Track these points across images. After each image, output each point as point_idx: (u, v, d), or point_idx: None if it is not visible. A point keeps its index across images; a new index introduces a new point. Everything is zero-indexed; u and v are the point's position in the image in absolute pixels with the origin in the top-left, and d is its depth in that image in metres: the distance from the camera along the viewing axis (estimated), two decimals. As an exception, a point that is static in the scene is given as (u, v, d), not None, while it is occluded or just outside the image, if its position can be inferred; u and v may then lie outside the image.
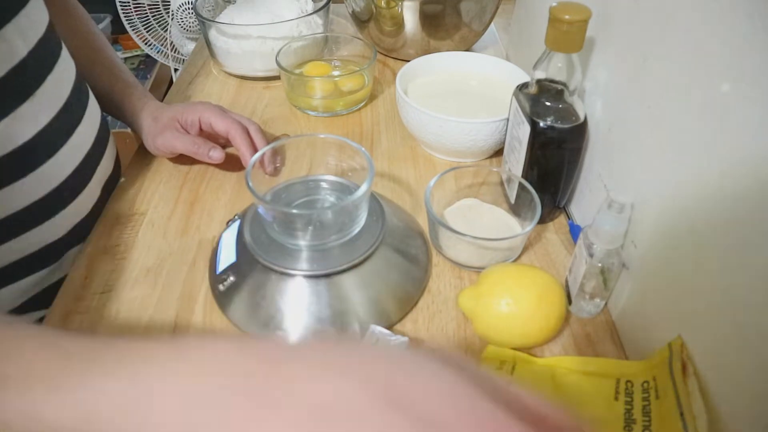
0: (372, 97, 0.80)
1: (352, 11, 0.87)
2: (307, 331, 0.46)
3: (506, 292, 0.44)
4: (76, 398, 0.25)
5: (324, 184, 0.55)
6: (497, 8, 0.84)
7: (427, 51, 0.75)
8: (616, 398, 0.41)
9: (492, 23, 0.87)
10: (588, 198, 0.55)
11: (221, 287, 0.49)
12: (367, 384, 0.23)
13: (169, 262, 0.54)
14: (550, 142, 0.51)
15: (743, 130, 0.32)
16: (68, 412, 0.25)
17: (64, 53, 0.56)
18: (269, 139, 0.67)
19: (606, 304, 0.49)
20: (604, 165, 0.52)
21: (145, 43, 1.74)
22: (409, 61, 0.72)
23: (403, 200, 0.62)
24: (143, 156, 0.67)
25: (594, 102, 0.53)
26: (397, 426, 0.21)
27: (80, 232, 0.57)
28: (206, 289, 0.51)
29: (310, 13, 0.83)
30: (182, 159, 0.65)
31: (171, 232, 0.58)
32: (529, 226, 0.50)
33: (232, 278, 0.49)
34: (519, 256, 0.55)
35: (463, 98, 0.69)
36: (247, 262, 0.48)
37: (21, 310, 0.54)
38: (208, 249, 0.55)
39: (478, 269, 0.53)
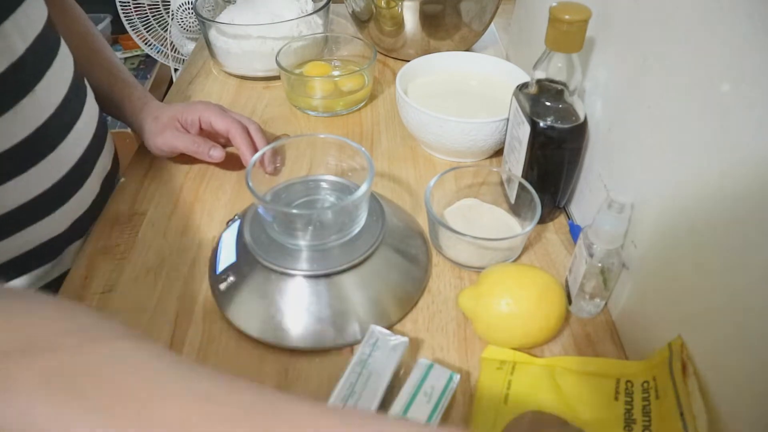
0: (372, 97, 0.80)
1: (352, 11, 0.87)
2: (308, 331, 0.46)
3: (506, 292, 0.44)
4: None
5: (324, 184, 0.55)
6: (497, 8, 0.84)
7: (427, 51, 0.75)
8: (616, 398, 0.41)
9: (492, 23, 0.87)
10: (588, 198, 0.55)
11: (221, 287, 0.49)
12: None
13: (169, 262, 0.54)
14: (550, 142, 0.51)
15: (743, 130, 0.32)
16: None
17: (63, 49, 0.56)
18: (269, 138, 0.67)
19: (606, 304, 0.49)
20: (604, 165, 0.52)
21: (145, 43, 1.74)
22: (409, 61, 0.72)
23: (403, 200, 0.62)
24: (143, 156, 0.67)
25: (594, 102, 0.53)
26: None
27: (80, 228, 0.58)
28: (206, 289, 0.51)
29: (310, 13, 0.83)
30: (182, 159, 0.65)
31: (171, 232, 0.58)
32: (529, 226, 0.50)
33: (232, 278, 0.49)
34: (519, 256, 0.55)
35: (463, 98, 0.69)
36: (247, 262, 0.48)
37: None
38: (208, 249, 0.55)
39: (478, 269, 0.53)
